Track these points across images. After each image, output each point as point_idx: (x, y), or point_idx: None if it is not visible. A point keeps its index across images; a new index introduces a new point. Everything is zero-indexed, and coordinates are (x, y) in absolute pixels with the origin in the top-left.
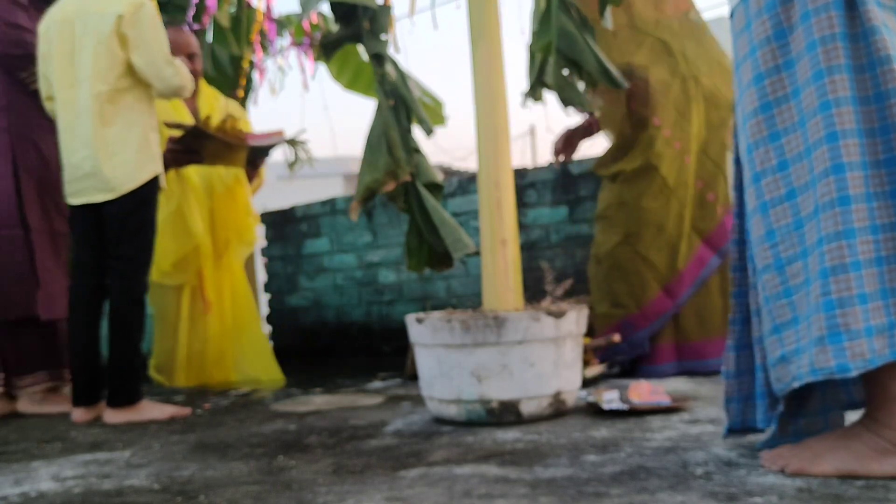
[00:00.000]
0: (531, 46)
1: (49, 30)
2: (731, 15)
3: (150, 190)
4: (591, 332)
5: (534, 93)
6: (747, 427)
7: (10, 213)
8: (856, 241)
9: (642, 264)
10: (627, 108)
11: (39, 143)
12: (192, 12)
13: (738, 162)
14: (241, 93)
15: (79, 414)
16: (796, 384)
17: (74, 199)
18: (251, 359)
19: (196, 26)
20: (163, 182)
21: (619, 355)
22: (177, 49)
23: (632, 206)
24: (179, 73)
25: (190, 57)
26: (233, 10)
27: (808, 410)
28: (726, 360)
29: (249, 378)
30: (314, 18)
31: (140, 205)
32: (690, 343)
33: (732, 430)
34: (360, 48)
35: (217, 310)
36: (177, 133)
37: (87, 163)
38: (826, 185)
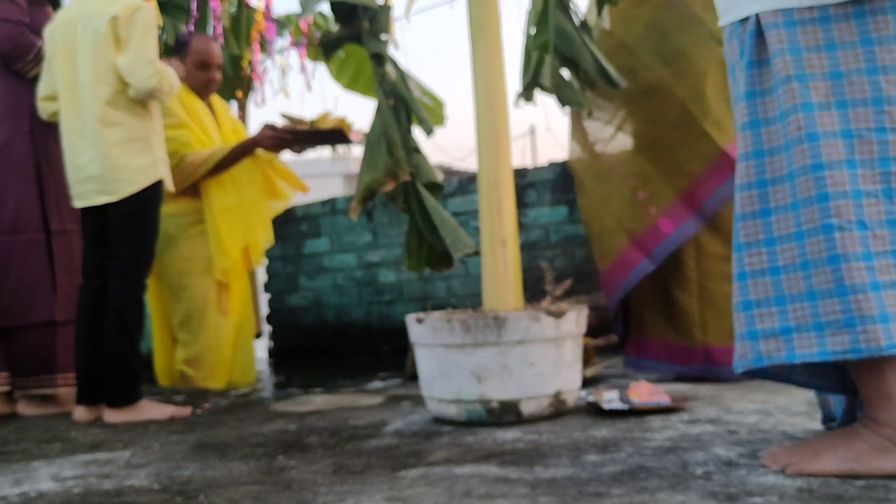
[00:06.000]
0: (527, 45)
1: (54, 33)
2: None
3: (153, 193)
4: (602, 330)
5: (527, 93)
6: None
7: (31, 217)
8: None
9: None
10: None
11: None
12: (195, 17)
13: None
14: (240, 94)
15: (80, 413)
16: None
17: (78, 201)
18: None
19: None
20: (169, 185)
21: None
22: (201, 57)
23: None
24: (159, 75)
25: (209, 67)
26: (233, 10)
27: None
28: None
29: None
30: (312, 19)
31: (142, 207)
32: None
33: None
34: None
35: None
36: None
37: (91, 165)
38: (745, 198)
